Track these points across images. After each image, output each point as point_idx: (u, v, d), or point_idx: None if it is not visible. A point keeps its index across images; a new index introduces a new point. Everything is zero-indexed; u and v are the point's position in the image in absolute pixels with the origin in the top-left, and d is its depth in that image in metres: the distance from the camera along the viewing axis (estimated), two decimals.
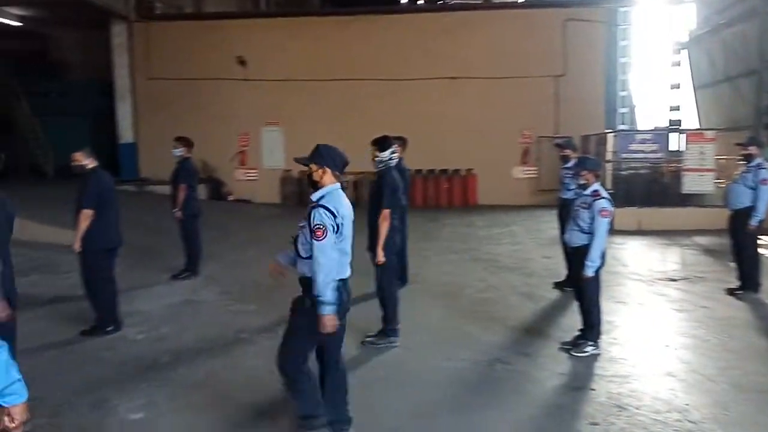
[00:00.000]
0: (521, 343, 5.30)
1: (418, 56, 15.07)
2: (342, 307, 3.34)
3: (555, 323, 5.86)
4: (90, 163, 5.47)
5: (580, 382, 4.47)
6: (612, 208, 4.92)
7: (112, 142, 16.32)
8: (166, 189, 13.52)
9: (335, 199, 3.34)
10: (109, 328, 5.36)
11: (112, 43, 15.98)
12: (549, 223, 12.05)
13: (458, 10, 15.98)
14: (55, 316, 5.92)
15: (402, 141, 7.15)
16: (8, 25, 16.54)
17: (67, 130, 16.40)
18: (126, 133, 16.11)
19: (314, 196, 3.39)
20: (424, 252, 8.95)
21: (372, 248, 5.22)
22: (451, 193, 15.24)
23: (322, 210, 3.23)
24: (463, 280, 7.53)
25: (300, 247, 3.38)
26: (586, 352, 4.94)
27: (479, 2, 19.81)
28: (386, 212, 5.12)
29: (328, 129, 15.50)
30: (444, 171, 15.32)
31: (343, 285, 3.37)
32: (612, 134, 12.45)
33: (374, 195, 5.40)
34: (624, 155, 11.62)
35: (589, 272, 4.87)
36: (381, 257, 5.10)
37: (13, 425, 1.99)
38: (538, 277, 7.59)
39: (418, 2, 23.50)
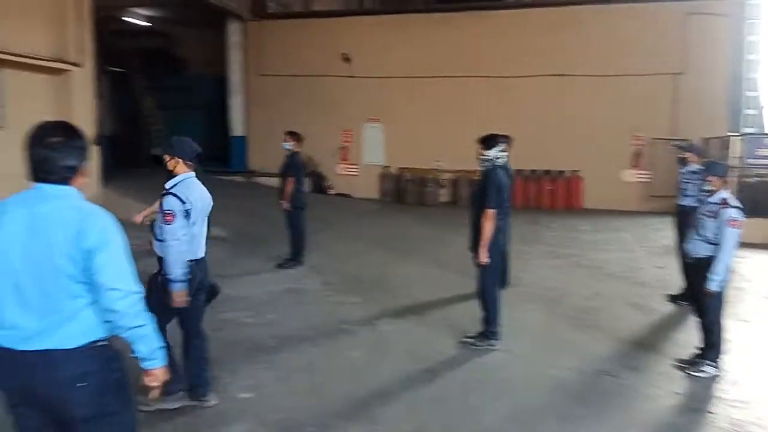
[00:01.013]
0: (630, 356, 5.01)
1: (525, 53, 14.65)
2: (194, 284, 3.68)
3: (668, 338, 5.49)
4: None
5: (697, 403, 4.16)
6: (742, 218, 4.48)
7: (224, 135, 17.30)
8: (272, 181, 14.30)
9: (186, 187, 3.66)
10: None
11: (227, 41, 16.89)
12: (662, 231, 11.33)
13: (568, 5, 15.30)
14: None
15: (507, 140, 7.00)
16: (138, 25, 17.99)
17: (184, 122, 17.61)
18: (237, 127, 16.98)
19: (167, 184, 3.71)
20: (525, 255, 8.70)
21: (474, 248, 5.10)
22: (554, 195, 14.70)
23: (171, 197, 3.59)
24: (567, 286, 7.24)
25: (156, 230, 3.72)
26: (705, 372, 4.57)
27: None
28: (491, 212, 4.94)
29: (429, 126, 15.55)
30: (547, 172, 14.81)
31: (196, 264, 3.71)
32: (737, 138, 11.46)
33: (478, 194, 5.23)
34: (750, 161, 10.66)
35: (713, 286, 4.48)
36: (484, 258, 4.97)
37: (154, 384, 2.19)
38: (649, 288, 7.13)
39: None
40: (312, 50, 16.18)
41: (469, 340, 5.09)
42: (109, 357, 2.10)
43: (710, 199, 4.64)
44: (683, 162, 6.47)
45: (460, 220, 12.29)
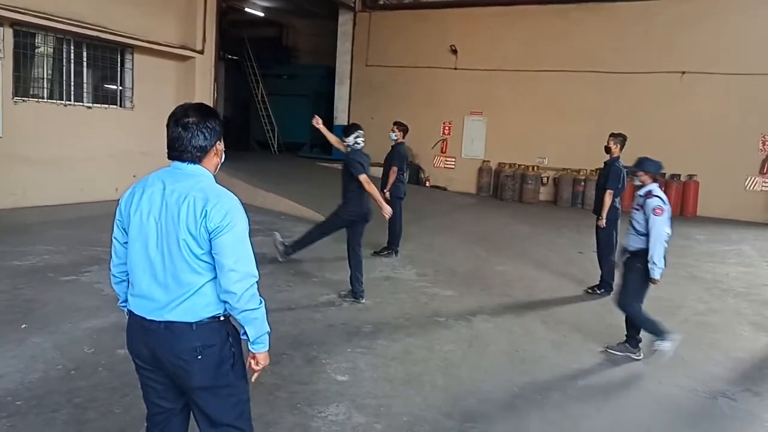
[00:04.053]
0: (750, 379, 4.59)
1: (643, 48, 13.77)
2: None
3: None
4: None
5: None
6: (666, 207, 4.60)
7: (329, 123, 17.74)
8: (371, 169, 14.48)
9: None
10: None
11: (338, 31, 17.27)
12: None
13: None
14: (279, 274, 6.59)
15: (622, 138, 6.67)
16: (254, 15, 18.83)
17: (290, 110, 18.28)
18: (341, 115, 17.36)
19: None
20: None
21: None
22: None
23: None
24: (679, 298, 6.75)
25: None
26: (660, 349, 4.58)
27: None
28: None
29: (534, 122, 15.07)
30: (661, 174, 13.87)
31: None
32: None
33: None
34: None
35: (656, 275, 4.55)
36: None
37: (258, 368, 2.25)
38: None
39: None
40: (418, 41, 16.18)
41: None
42: (227, 332, 2.17)
43: (638, 192, 4.78)
44: None
45: (561, 220, 11.94)
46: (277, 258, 6.91)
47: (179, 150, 2.14)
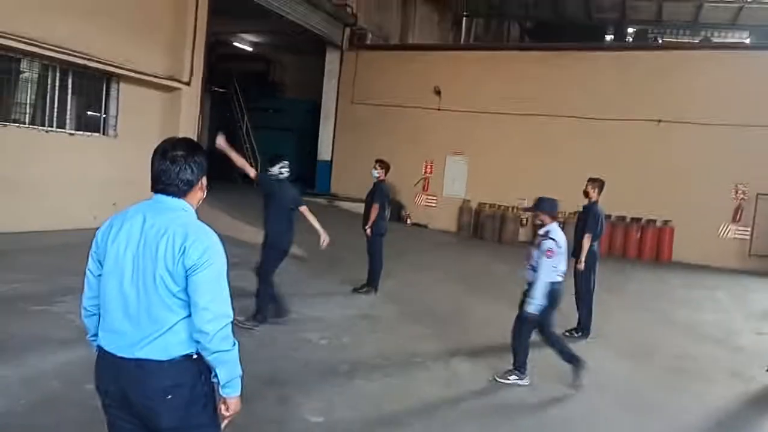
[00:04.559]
0: (725, 427, 4.60)
1: (622, 96, 14.18)
2: None
3: None
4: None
5: None
6: (558, 249, 4.87)
7: (312, 158, 17.84)
8: (352, 205, 14.54)
9: None
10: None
11: (325, 69, 17.53)
12: (761, 293, 10.54)
13: (672, 49, 14.75)
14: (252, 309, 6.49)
15: (600, 183, 6.80)
16: (242, 49, 19.08)
17: (275, 144, 18.34)
18: (325, 151, 17.47)
19: None
20: (608, 305, 8.25)
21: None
22: (641, 245, 13.99)
23: None
24: (655, 343, 6.80)
25: None
26: (508, 380, 4.88)
27: (697, 42, 18.21)
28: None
29: (514, 163, 15.32)
30: (636, 219, 14.15)
31: None
32: None
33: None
34: None
35: (531, 309, 4.81)
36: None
37: (228, 413, 2.15)
38: (748, 354, 6.57)
39: (627, 39, 22.31)
40: (403, 81, 16.48)
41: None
42: (199, 371, 2.10)
43: (540, 231, 5.08)
44: None
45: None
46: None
47: (165, 183, 2.11)
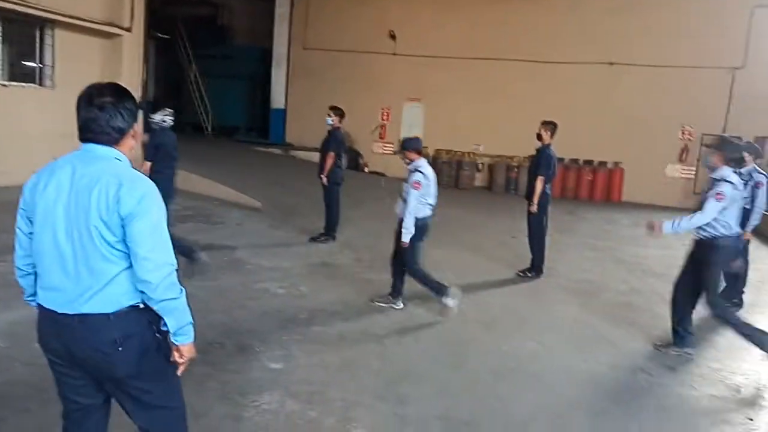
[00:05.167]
0: (667, 355, 4.87)
1: (575, 38, 14.21)
2: None
3: (706, 340, 5.31)
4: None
5: (734, 408, 4.02)
6: (425, 182, 5.19)
7: (265, 107, 17.38)
8: (308, 154, 14.33)
9: None
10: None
11: (275, 12, 16.86)
12: None
13: None
14: (211, 262, 6.39)
15: (553, 126, 6.87)
16: None
17: (226, 91, 17.75)
18: (278, 99, 17.02)
19: None
20: (560, 245, 8.52)
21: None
22: (593, 186, 14.38)
23: None
24: (603, 280, 7.09)
25: None
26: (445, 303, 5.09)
27: None
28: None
29: (470, 109, 15.30)
30: (589, 162, 14.47)
31: None
32: None
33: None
34: None
35: (405, 238, 5.12)
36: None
37: (182, 360, 2.14)
38: None
39: None
40: (357, 26, 16.03)
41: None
42: (147, 320, 2.08)
43: (409, 167, 5.31)
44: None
45: (495, 205, 12.23)
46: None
47: (95, 132, 2.01)
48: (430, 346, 4.67)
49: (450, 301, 5.09)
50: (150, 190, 2.02)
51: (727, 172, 4.64)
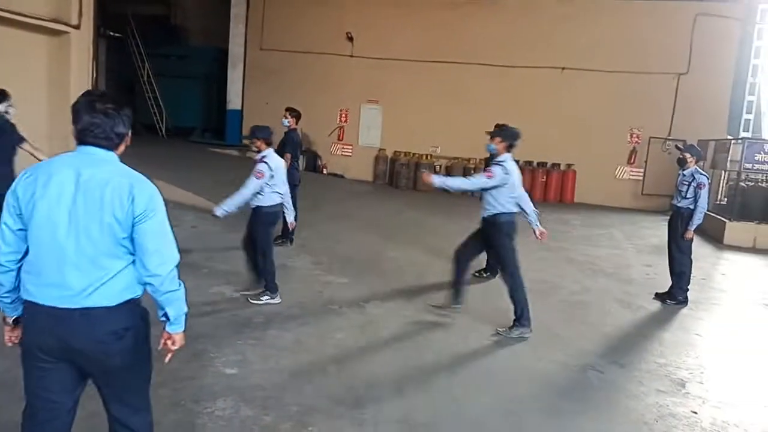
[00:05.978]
0: (617, 352, 5.04)
1: (529, 44, 14.55)
2: None
3: (654, 336, 5.52)
4: None
5: (680, 403, 4.18)
6: (265, 172, 5.30)
7: (221, 108, 17.10)
8: None
9: None
10: None
11: (231, 12, 16.62)
12: (651, 229, 11.40)
13: None
14: None
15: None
16: None
17: (181, 92, 17.39)
18: (234, 100, 16.78)
19: None
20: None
21: None
22: (546, 188, 14.73)
23: None
24: (556, 279, 7.26)
25: None
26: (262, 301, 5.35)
27: None
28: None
29: (427, 111, 15.44)
30: (542, 164, 14.80)
31: None
32: (737, 142, 11.48)
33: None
34: (748, 166, 10.68)
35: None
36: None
37: (174, 347, 2.32)
38: (637, 286, 7.18)
39: None
40: (315, 27, 15.98)
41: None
42: (140, 313, 2.23)
43: (256, 156, 5.50)
44: (682, 163, 6.46)
45: (453, 207, 12.37)
46: None
47: (99, 136, 2.14)
48: (387, 349, 4.68)
49: (266, 299, 5.36)
50: (155, 190, 2.18)
51: (505, 157, 5.17)
